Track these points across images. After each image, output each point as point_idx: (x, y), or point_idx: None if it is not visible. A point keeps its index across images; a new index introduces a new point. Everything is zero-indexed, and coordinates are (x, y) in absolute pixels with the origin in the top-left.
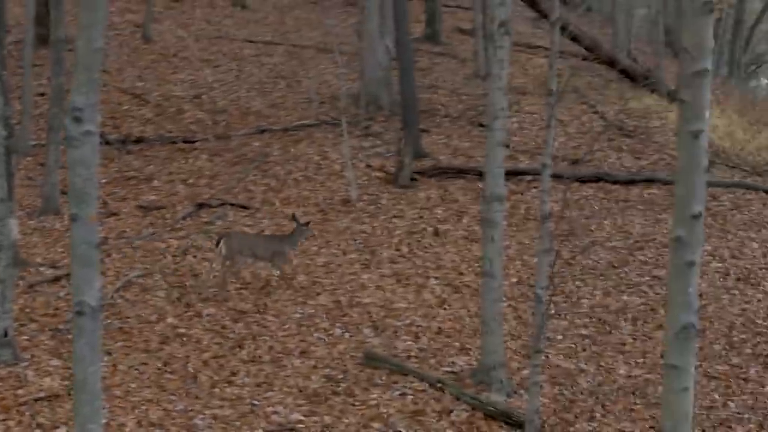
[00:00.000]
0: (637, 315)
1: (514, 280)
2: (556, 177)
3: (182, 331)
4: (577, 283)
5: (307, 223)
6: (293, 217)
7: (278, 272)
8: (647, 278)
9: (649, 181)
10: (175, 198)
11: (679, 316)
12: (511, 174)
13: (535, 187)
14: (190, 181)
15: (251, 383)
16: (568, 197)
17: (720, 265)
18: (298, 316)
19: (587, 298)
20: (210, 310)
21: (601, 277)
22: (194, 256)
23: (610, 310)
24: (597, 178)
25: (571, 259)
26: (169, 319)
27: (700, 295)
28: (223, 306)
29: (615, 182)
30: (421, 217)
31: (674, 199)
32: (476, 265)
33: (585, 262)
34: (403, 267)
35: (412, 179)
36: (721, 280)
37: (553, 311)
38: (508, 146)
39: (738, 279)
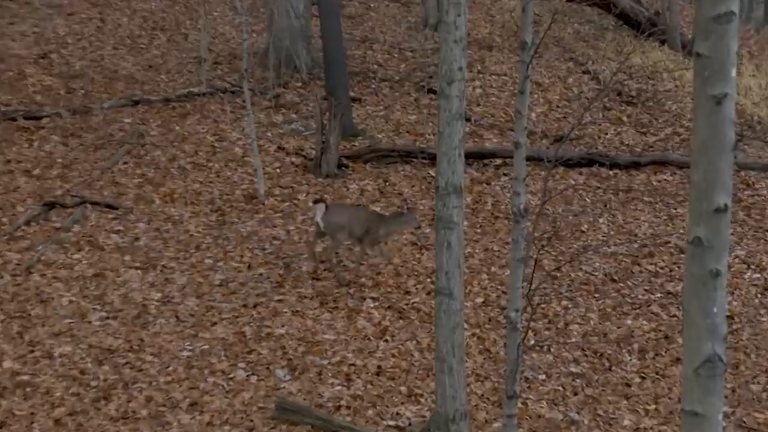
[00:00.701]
0: (645, 345)
1: (480, 300)
2: (534, 160)
3: (25, 378)
4: (564, 303)
5: (410, 209)
6: (402, 203)
7: (360, 259)
8: (658, 295)
9: (660, 164)
10: (14, 196)
11: (700, 346)
12: (473, 157)
13: (506, 174)
14: (36, 171)
15: None
16: (551, 187)
17: (758, 276)
18: (186, 354)
19: (578, 324)
20: (66, 349)
21: (596, 295)
22: (43, 275)
23: (610, 339)
24: (589, 161)
25: (555, 271)
26: (7, 363)
27: (730, 317)
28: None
29: (613, 166)
30: None
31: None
32: (428, 280)
33: (575, 274)
34: (330, 285)
35: (341, 166)
36: (759, 296)
37: (532, 342)
38: (469, 120)
39: None
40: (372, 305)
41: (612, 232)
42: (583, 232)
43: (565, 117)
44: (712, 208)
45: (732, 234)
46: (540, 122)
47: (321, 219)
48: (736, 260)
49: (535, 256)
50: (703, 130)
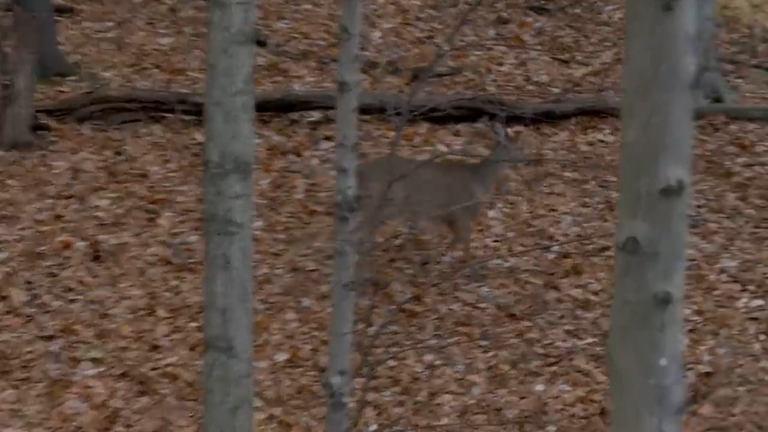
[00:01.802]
0: (568, 428)
1: (283, 357)
2: (377, 111)
3: None
4: (428, 358)
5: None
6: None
7: (457, 245)
8: (590, 340)
9: (591, 115)
10: None
11: (638, 426)
12: (273, 108)
13: (329, 138)
14: None
15: None
16: (403, 157)
17: (760, 302)
18: None
19: (452, 393)
20: None
21: (483, 343)
22: None
23: (506, 418)
24: (471, 112)
25: (412, 303)
26: None
27: (708, 374)
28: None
29: (513, 119)
30: (59, 217)
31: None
32: (192, 325)
33: (446, 308)
34: (18, 336)
35: (37, 128)
36: (763, 337)
37: (373, 428)
38: (263, 44)
39: None
40: (91, 372)
41: (511, 234)
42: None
43: (430, 36)
44: (657, 189)
45: (716, 231)
46: (388, 47)
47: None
48: (723, 276)
49: (376, 277)
50: (641, 56)
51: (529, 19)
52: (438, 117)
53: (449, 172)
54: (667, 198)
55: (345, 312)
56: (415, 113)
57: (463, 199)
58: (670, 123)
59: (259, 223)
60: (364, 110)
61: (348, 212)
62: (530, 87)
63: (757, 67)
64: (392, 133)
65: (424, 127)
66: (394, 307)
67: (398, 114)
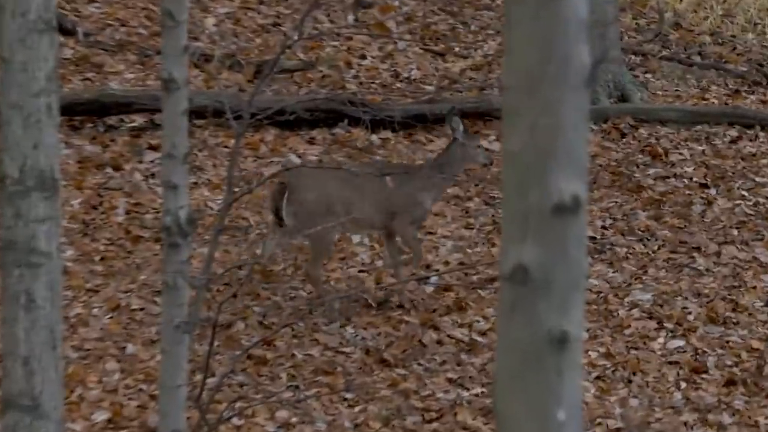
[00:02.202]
0: None
1: (102, 416)
2: (215, 115)
3: None
4: (281, 413)
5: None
6: (449, 113)
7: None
8: (478, 390)
9: (476, 117)
10: None
11: None
12: (84, 112)
13: (153, 148)
14: None
15: None
16: (251, 171)
17: (680, 343)
18: None
19: None
20: None
21: (348, 397)
22: None
23: None
24: (330, 114)
25: (260, 348)
26: None
27: (616, 420)
28: None
29: (378, 123)
30: None
31: None
32: None
33: (302, 354)
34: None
35: None
36: (684, 385)
37: None
38: (71, 32)
39: (730, 383)
40: None
41: (380, 263)
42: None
43: (276, 24)
44: (549, 206)
45: (626, 257)
46: (224, 36)
47: (286, 205)
48: (635, 312)
49: (214, 316)
50: (525, 47)
51: (396, 3)
52: (288, 121)
53: (394, 177)
54: (560, 217)
55: (178, 360)
56: (259, 117)
57: (406, 208)
58: (562, 126)
59: (70, 253)
60: (197, 113)
61: (180, 238)
62: (399, 85)
63: (669, 59)
64: (233, 141)
65: (271, 134)
66: (239, 352)
67: (238, 118)
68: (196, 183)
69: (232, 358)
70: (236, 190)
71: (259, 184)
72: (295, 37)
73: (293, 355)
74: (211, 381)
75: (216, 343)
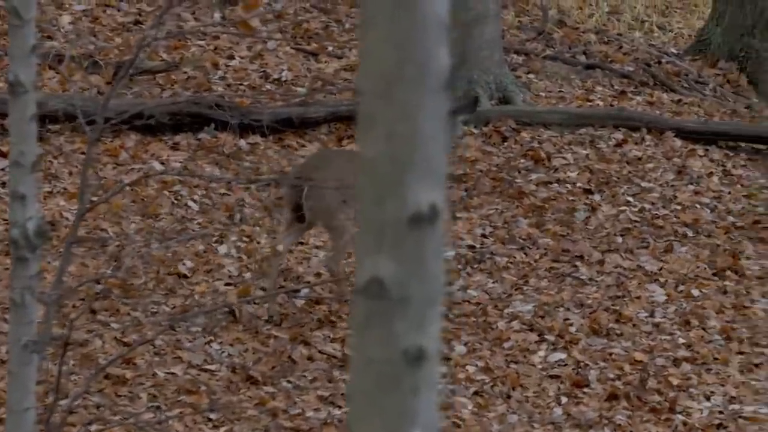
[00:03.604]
0: None
1: None
2: (57, 120)
3: None
4: None
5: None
6: None
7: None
8: None
9: (349, 120)
10: None
11: None
12: None
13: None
14: None
15: None
16: (110, 180)
17: (549, 347)
18: None
19: None
20: None
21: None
22: None
23: None
24: (195, 119)
25: (109, 368)
26: None
27: None
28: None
29: (246, 127)
30: None
31: None
32: None
33: (162, 372)
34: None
35: None
36: (556, 393)
37: None
38: None
39: (612, 397)
40: None
41: (247, 275)
42: (186, 276)
43: (137, 22)
44: (405, 216)
45: (506, 267)
46: (81, 35)
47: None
48: (515, 324)
49: (65, 333)
50: (380, 48)
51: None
52: (151, 126)
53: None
54: (417, 228)
55: (26, 381)
56: (114, 122)
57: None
58: (419, 133)
59: None
60: (51, 118)
61: (28, 251)
62: (269, 86)
63: (552, 59)
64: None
65: (132, 139)
66: (94, 371)
67: (91, 123)
68: (50, 192)
69: (86, 378)
70: (94, 199)
71: (114, 193)
72: (153, 36)
73: (154, 374)
74: (66, 403)
75: (72, 363)
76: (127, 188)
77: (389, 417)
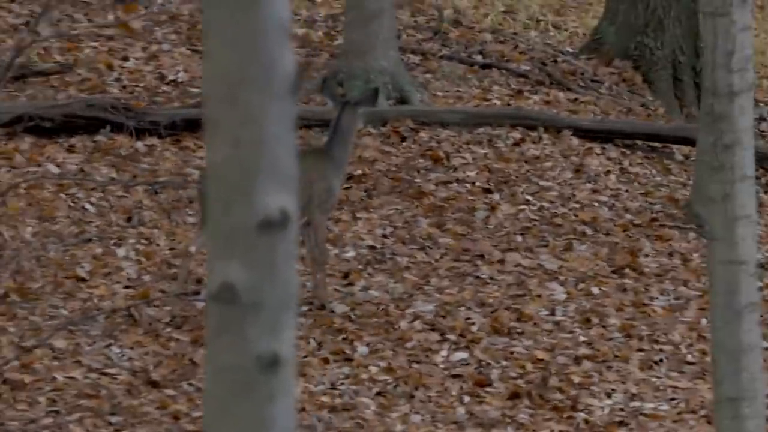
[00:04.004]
0: None
1: None
2: None
3: None
4: None
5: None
6: (324, 83)
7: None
8: None
9: None
10: None
11: None
12: None
13: None
14: None
15: None
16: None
17: (451, 346)
18: None
19: None
20: None
21: None
22: None
23: None
24: (91, 123)
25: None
26: None
27: None
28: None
29: (142, 130)
30: None
31: None
32: None
33: (63, 377)
34: None
35: None
36: (459, 392)
37: None
38: None
39: (515, 396)
40: None
41: (146, 277)
42: (84, 279)
43: (29, 23)
44: (255, 222)
45: (407, 267)
46: None
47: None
48: (417, 324)
49: None
50: (224, 52)
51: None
52: (45, 129)
53: (302, 160)
54: (268, 233)
55: None
56: (4, 124)
57: (321, 191)
58: (266, 138)
59: None
60: None
61: None
62: (165, 88)
63: (449, 58)
64: None
65: (27, 142)
66: None
67: None
68: None
69: None
70: None
71: (2, 194)
72: (35, 36)
73: (54, 378)
74: None
75: None
76: (23, 191)
77: (244, 424)
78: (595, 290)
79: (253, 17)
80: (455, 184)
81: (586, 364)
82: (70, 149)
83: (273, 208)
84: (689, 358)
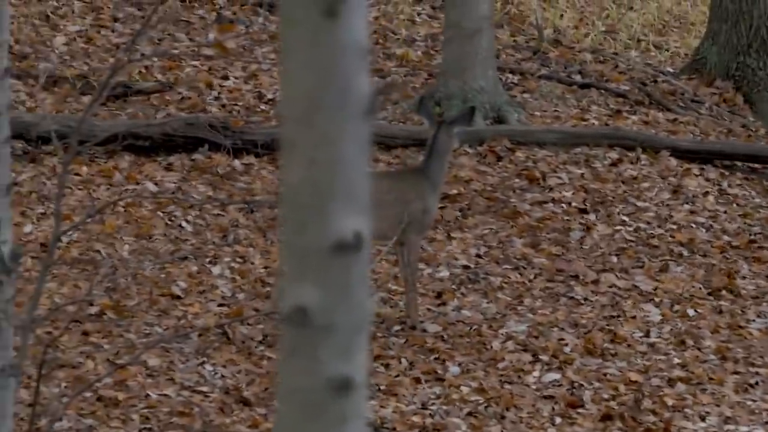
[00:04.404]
0: None
1: None
2: (48, 141)
3: None
4: None
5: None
6: (421, 102)
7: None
8: None
9: None
10: None
11: None
12: None
13: None
14: None
15: None
16: (93, 203)
17: (544, 367)
18: None
19: None
20: None
21: None
22: None
23: None
24: (183, 138)
25: (101, 390)
26: None
27: None
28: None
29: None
30: None
31: None
32: None
33: (156, 395)
34: None
35: None
36: (550, 413)
37: None
38: None
39: (607, 417)
40: None
41: (241, 296)
42: (179, 297)
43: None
44: (328, 244)
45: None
46: (77, 56)
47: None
48: (510, 344)
49: (40, 357)
50: (301, 74)
51: (260, 20)
52: (144, 147)
53: (398, 180)
54: (341, 256)
55: (3, 405)
56: (90, 143)
57: (416, 211)
58: (341, 160)
59: None
60: (43, 139)
61: (4, 275)
62: (263, 107)
63: (548, 78)
64: (84, 168)
65: (126, 160)
66: (77, 392)
67: (65, 143)
68: (44, 213)
69: (66, 398)
70: (89, 220)
71: (95, 213)
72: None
73: (147, 396)
74: (59, 426)
75: (63, 385)
76: (121, 209)
77: None
78: (691, 312)
79: (330, 40)
80: (551, 204)
81: (680, 387)
82: (168, 167)
83: (347, 230)
84: None
